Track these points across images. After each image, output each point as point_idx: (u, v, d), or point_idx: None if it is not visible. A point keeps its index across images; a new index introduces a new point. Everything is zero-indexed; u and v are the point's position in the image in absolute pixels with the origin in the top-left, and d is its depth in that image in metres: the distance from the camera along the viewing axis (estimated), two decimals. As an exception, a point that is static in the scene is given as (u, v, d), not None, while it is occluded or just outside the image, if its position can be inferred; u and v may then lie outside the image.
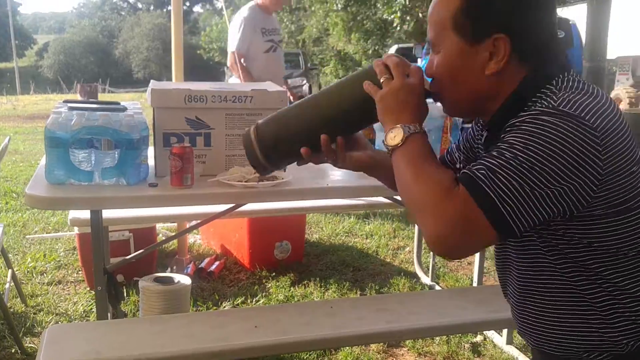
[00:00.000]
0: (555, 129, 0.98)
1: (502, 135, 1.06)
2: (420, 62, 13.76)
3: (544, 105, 1.04)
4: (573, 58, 4.61)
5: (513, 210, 0.98)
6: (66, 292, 3.49)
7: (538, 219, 1.00)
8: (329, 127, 1.25)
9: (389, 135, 1.13)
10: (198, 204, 2.22)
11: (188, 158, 1.96)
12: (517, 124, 1.03)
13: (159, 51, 40.00)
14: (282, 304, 3.26)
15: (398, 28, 21.90)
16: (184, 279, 2.83)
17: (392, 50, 18.30)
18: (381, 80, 1.17)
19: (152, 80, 2.40)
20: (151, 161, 2.15)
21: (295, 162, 1.34)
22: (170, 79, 4.13)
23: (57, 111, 2.00)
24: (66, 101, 2.19)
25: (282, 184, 2.06)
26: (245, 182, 2.01)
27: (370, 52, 25.08)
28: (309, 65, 17.29)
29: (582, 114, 0.99)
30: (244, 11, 4.64)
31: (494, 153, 1.02)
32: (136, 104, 2.30)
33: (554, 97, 1.05)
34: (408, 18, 21.09)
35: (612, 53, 10.93)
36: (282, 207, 3.24)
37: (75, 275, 3.74)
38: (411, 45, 15.23)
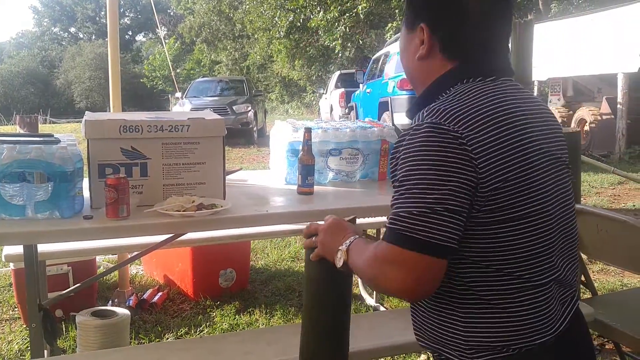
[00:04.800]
0: (420, 144, 1.10)
1: (396, 148, 1.19)
2: (362, 88, 13.82)
3: (415, 121, 1.17)
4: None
5: (431, 232, 1.06)
6: (0, 331, 3.37)
7: (458, 225, 1.07)
8: (337, 305, 1.42)
9: (337, 262, 1.29)
10: (135, 235, 2.19)
11: (123, 189, 1.94)
12: (400, 148, 1.16)
13: (101, 80, 39.38)
14: (223, 334, 3.23)
15: (340, 54, 22.32)
16: (123, 312, 2.77)
17: (335, 76, 18.54)
18: (313, 240, 1.39)
19: (87, 112, 2.38)
20: (87, 193, 2.12)
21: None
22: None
23: (-14, 145, 1.95)
24: (-4, 134, 2.14)
25: (221, 212, 2.06)
26: (183, 211, 2.00)
27: (314, 77, 25.40)
28: (253, 91, 17.30)
29: (443, 121, 1.10)
30: None
31: (394, 193, 1.14)
32: (70, 136, 2.27)
33: (429, 107, 1.17)
34: (349, 45, 21.54)
35: (544, 75, 11.39)
36: (225, 234, 3.22)
37: (11, 312, 3.61)
38: (353, 71, 15.48)
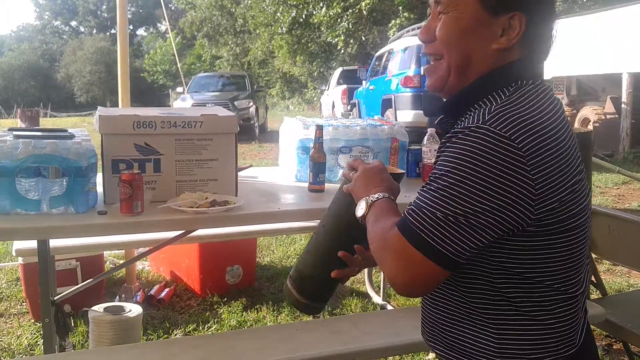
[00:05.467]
0: (473, 149, 1.01)
1: (443, 144, 1.09)
2: (364, 84, 13.75)
3: (474, 119, 1.07)
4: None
5: (444, 241, 1.02)
6: (9, 325, 3.37)
7: (475, 244, 1.02)
8: (339, 243, 1.40)
9: (357, 210, 1.26)
10: (149, 231, 2.19)
11: (137, 185, 1.93)
12: (449, 144, 1.06)
13: (102, 74, 39.48)
14: (235, 331, 3.22)
15: (342, 51, 22.30)
16: (135, 308, 2.78)
17: (337, 72, 18.51)
18: (351, 175, 1.37)
19: (99, 107, 2.37)
20: (100, 188, 2.12)
21: (338, 284, 1.49)
22: (113, 103, 4.09)
23: (2, 139, 1.95)
24: (11, 129, 2.14)
25: (234, 209, 2.05)
26: (197, 207, 1.99)
27: (315, 74, 25.37)
28: (255, 87, 17.25)
29: (508, 133, 1.01)
30: None
31: (424, 186, 1.08)
32: (83, 131, 2.27)
33: (491, 108, 1.08)
34: (351, 41, 21.51)
35: (548, 73, 11.37)
36: (234, 231, 3.23)
37: (19, 307, 3.61)
38: (355, 67, 15.44)
